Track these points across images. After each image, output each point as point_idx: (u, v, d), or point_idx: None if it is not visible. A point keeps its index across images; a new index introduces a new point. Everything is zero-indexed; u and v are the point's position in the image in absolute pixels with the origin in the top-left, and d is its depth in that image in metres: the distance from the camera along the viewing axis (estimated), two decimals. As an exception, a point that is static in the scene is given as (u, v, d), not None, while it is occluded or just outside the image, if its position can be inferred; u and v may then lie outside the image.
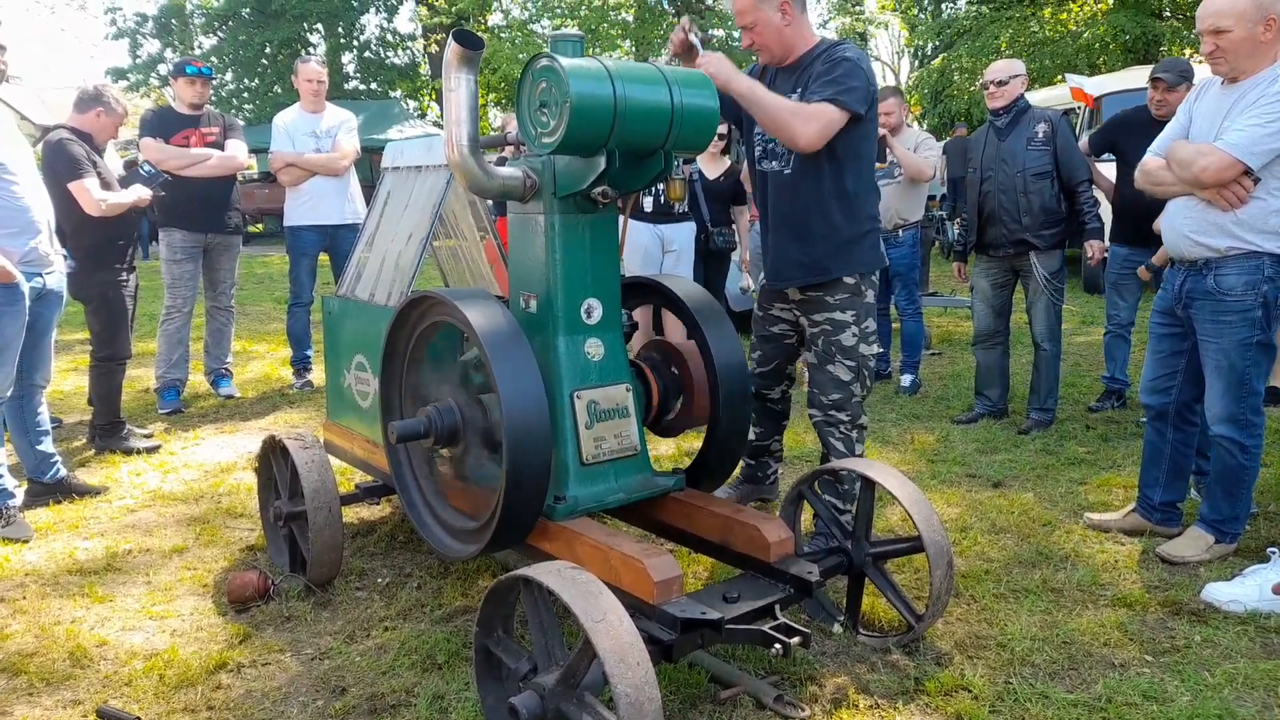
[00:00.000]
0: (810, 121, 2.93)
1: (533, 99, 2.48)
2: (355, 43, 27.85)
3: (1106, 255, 5.02)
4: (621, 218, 2.90)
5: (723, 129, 5.99)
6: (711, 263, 6.03)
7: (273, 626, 2.90)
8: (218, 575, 3.28)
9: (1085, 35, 15.18)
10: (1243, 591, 2.81)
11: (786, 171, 3.19)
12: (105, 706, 2.42)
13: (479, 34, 2.51)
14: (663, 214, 5.52)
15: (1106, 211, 5.19)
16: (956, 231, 5.13)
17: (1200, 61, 4.85)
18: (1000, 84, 4.74)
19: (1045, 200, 4.67)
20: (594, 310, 2.68)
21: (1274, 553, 2.88)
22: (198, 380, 6.07)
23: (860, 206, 3.22)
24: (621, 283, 2.79)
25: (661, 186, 5.37)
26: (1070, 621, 2.80)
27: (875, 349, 3.35)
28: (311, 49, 25.81)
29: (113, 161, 5.43)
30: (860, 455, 3.25)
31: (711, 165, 5.95)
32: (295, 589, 3.09)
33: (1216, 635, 2.69)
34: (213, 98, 5.85)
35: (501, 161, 2.70)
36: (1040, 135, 4.68)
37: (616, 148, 2.45)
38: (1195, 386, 3.24)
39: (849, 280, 3.23)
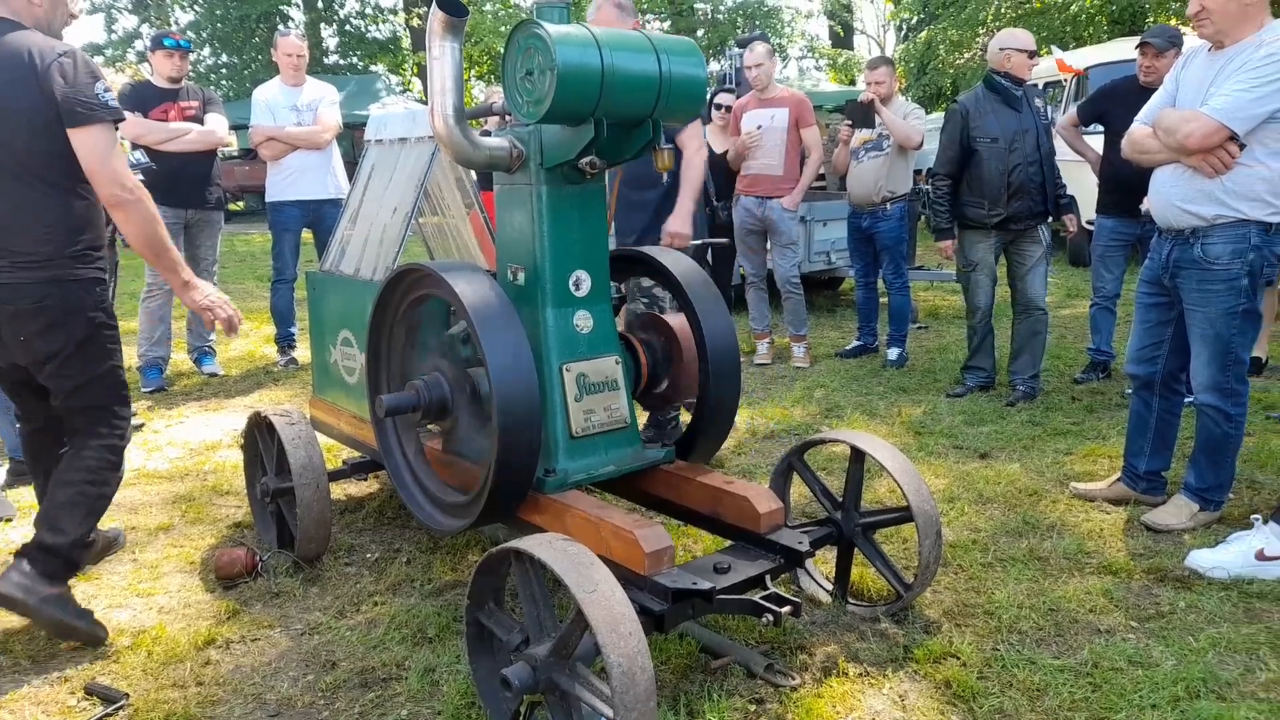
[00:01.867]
0: None
1: (518, 67, 2.44)
2: (335, 16, 27.47)
3: (1092, 227, 5.06)
4: (611, 190, 2.87)
5: (731, 100, 5.95)
6: (719, 236, 5.99)
7: (261, 602, 2.89)
8: (205, 552, 3.26)
9: (1073, 7, 15.12)
10: (1226, 558, 2.84)
11: None
12: (93, 683, 2.40)
13: (463, 1, 2.46)
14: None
15: (1093, 184, 5.22)
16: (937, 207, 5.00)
17: (1187, 30, 4.85)
18: (1033, 55, 4.75)
19: (1055, 174, 4.81)
20: (583, 282, 2.65)
21: (1257, 519, 2.91)
22: (180, 358, 6.01)
23: None
24: (610, 255, 2.77)
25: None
26: (1057, 589, 2.82)
27: None
28: (290, 23, 25.42)
29: None
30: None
31: (721, 138, 5.90)
32: (283, 565, 3.07)
33: (1200, 601, 2.72)
34: (191, 73, 5.73)
35: (485, 133, 2.66)
36: (1042, 108, 4.81)
37: (604, 116, 2.41)
38: (1181, 356, 3.26)
39: None
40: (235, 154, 19.05)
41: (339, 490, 3.77)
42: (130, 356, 5.88)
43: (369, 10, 28.07)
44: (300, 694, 2.40)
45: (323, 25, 26.67)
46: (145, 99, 5.29)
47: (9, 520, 3.55)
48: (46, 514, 2.65)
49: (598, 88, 2.34)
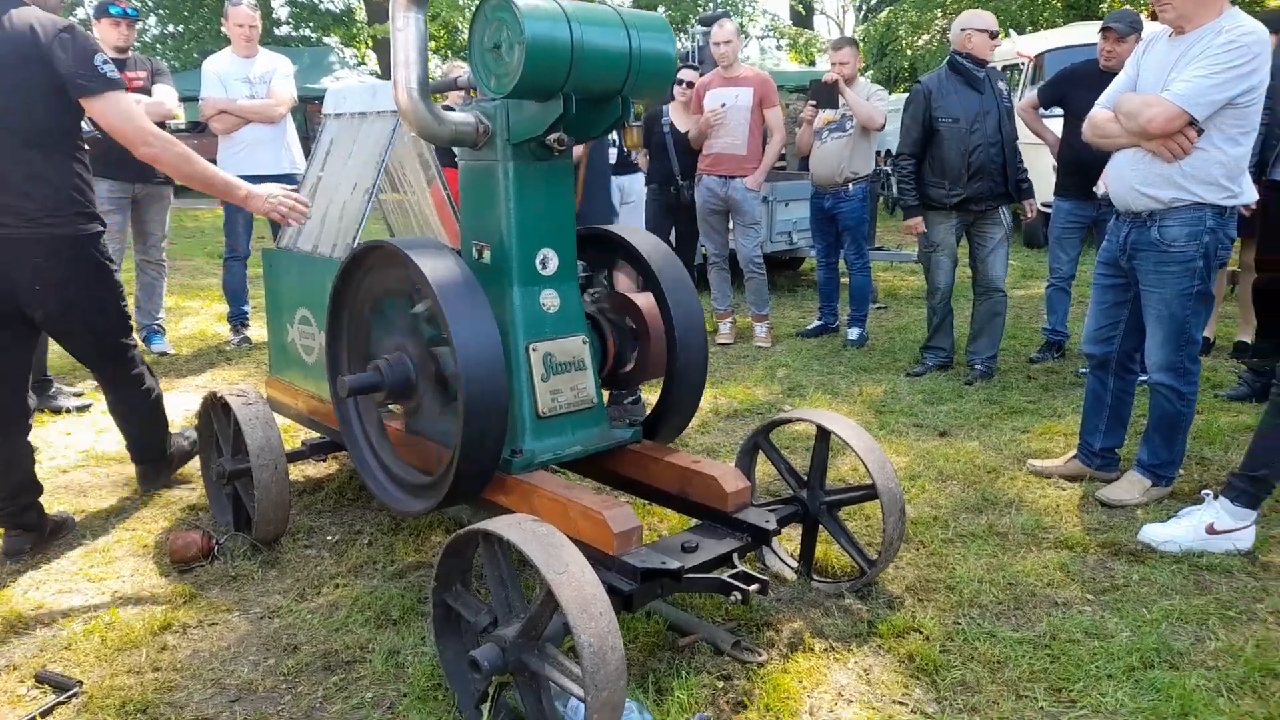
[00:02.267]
0: None
1: (486, 40, 2.39)
2: (285, -13, 26.76)
3: (1048, 210, 5.15)
4: (579, 169, 2.84)
5: (694, 77, 5.91)
6: (683, 216, 5.98)
7: (218, 586, 2.83)
8: (158, 535, 3.18)
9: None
10: (1178, 532, 2.92)
11: None
12: (44, 671, 2.34)
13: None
14: (622, 165, 5.44)
15: (1050, 166, 5.30)
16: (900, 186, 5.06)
17: (1146, 13, 4.93)
18: (994, 35, 4.78)
19: (1018, 155, 4.86)
20: (550, 261, 2.62)
21: (1208, 495, 2.99)
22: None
23: None
24: (578, 234, 2.73)
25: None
26: (1015, 564, 2.88)
27: None
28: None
29: None
30: None
31: (683, 117, 5.86)
32: (241, 548, 3.01)
33: (1153, 574, 2.79)
34: (136, 42, 5.53)
35: (448, 108, 2.60)
36: (1005, 91, 4.85)
37: (573, 92, 2.37)
38: (1136, 336, 3.32)
39: None
40: (184, 127, 18.52)
41: (297, 472, 3.70)
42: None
43: (321, -20, 27.40)
44: (261, 678, 2.35)
45: (273, -5, 25.97)
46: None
47: None
48: (135, 450, 3.48)
49: (567, 62, 2.31)
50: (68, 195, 2.92)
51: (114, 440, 4.18)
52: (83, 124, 4.55)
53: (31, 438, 4.12)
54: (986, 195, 4.80)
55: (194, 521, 3.29)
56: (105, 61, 2.84)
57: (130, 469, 3.82)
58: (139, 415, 3.37)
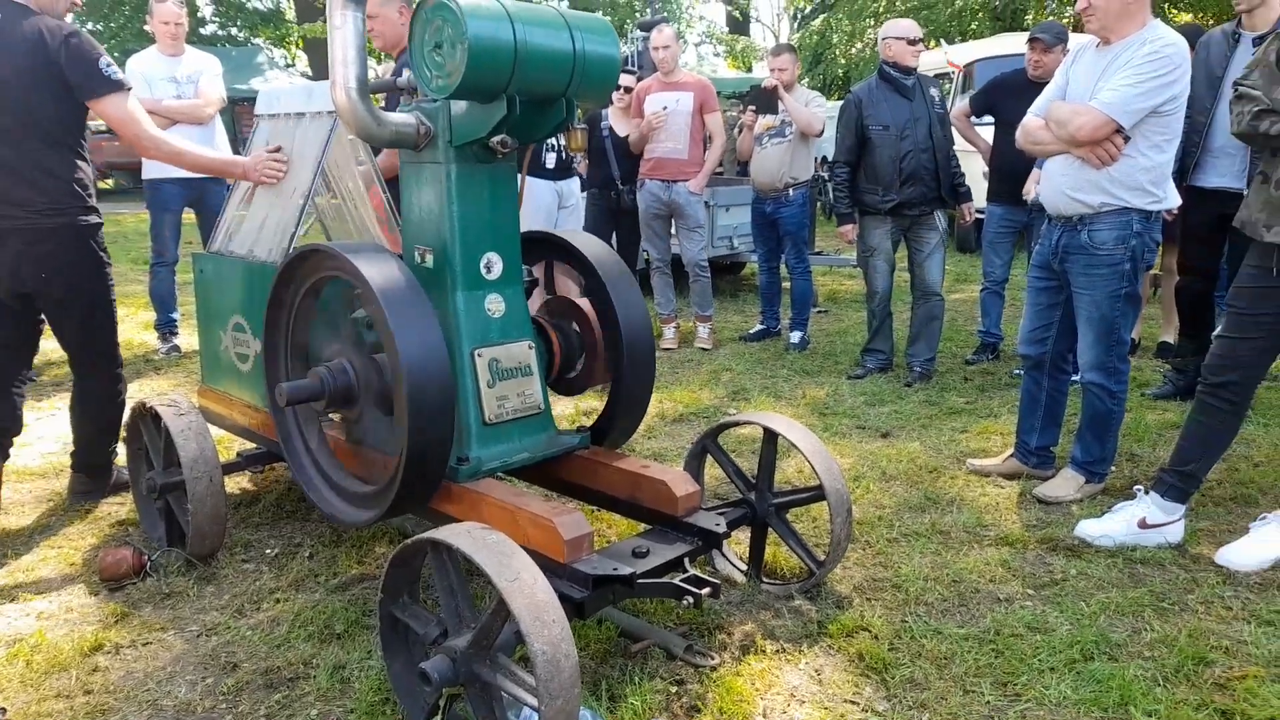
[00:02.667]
0: None
1: (426, 39, 2.35)
2: (213, -15, 26.03)
3: (981, 215, 5.28)
4: (521, 171, 2.81)
5: (631, 82, 5.91)
6: (623, 220, 5.96)
7: (152, 604, 2.72)
8: (86, 553, 3.05)
9: (957, 2, 15.71)
10: (1112, 527, 3.01)
11: None
12: (-36, 699, 2.22)
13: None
14: (561, 170, 5.42)
15: (980, 172, 5.44)
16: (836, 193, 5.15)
17: (1071, 24, 5.09)
18: (914, 43, 4.86)
19: (952, 162, 4.95)
20: (494, 265, 2.59)
21: (1139, 490, 3.09)
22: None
23: None
24: (522, 237, 2.70)
25: (562, 139, 5.26)
26: (958, 561, 2.93)
27: None
28: (163, -11, 23.94)
29: None
30: None
31: (623, 122, 5.85)
32: (175, 564, 2.90)
33: (1090, 568, 2.87)
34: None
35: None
36: (937, 98, 4.93)
37: (517, 93, 2.35)
38: (1068, 338, 3.42)
39: None
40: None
41: (232, 484, 3.58)
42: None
43: (251, -21, 26.72)
44: (200, 698, 2.27)
45: (199, -7, 25.24)
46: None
47: None
48: (80, 453, 3.46)
49: (510, 63, 2.28)
50: (71, 188, 3.13)
51: (36, 454, 4.01)
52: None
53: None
54: (919, 200, 4.89)
55: (124, 537, 3.16)
56: (109, 65, 3.08)
57: (55, 484, 3.66)
58: (97, 416, 3.41)
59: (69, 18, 3.25)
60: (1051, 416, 3.55)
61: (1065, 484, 3.40)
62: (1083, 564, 2.90)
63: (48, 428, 4.37)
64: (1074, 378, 3.59)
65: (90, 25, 23.89)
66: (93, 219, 3.24)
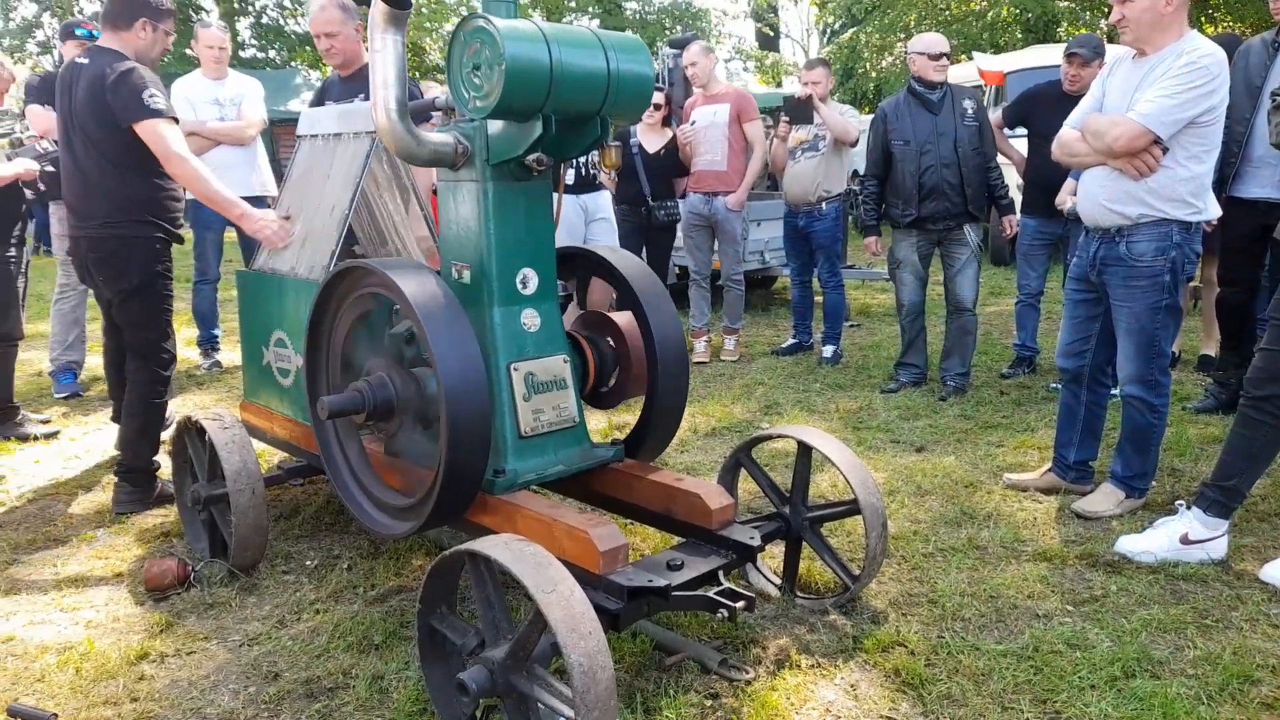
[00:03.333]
0: None
1: (465, 61, 2.40)
2: (251, 8, 26.61)
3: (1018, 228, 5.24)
4: (556, 189, 2.85)
5: (660, 99, 5.98)
6: (654, 237, 6.02)
7: (195, 614, 2.78)
8: (132, 564, 3.12)
9: (989, 15, 15.62)
10: (1153, 543, 2.97)
11: None
12: (16, 704, 2.27)
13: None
14: (584, 185, 5.48)
15: (1014, 185, 5.40)
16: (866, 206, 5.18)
17: (1105, 35, 5.04)
18: (944, 57, 4.85)
19: (981, 175, 4.89)
20: (530, 280, 2.62)
21: (1181, 505, 3.04)
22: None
23: None
24: (557, 252, 2.74)
25: (587, 158, 5.33)
26: (995, 576, 2.91)
27: None
28: (205, 13, 24.55)
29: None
30: None
31: (652, 138, 5.92)
32: (218, 575, 2.96)
33: (1131, 585, 2.83)
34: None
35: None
36: (970, 112, 4.87)
37: (553, 113, 2.39)
38: (1107, 350, 3.39)
39: None
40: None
41: (273, 496, 3.64)
42: (42, 361, 5.60)
43: (287, 2, 27.27)
44: (243, 707, 2.31)
45: (238, 17, 25.81)
46: (55, 91, 5.01)
47: None
48: (122, 452, 3.64)
49: (546, 83, 2.32)
50: (128, 204, 3.46)
51: (82, 467, 4.11)
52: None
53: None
54: (943, 215, 4.87)
55: (169, 549, 3.23)
56: (152, 95, 3.35)
57: (103, 498, 3.75)
58: (136, 415, 3.60)
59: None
60: (1090, 430, 3.51)
61: (1105, 499, 3.36)
62: (1123, 580, 2.86)
63: (95, 441, 4.48)
64: (1114, 391, 3.54)
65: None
66: (150, 232, 3.51)
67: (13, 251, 4.34)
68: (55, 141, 4.76)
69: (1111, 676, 2.33)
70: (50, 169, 4.58)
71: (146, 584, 2.89)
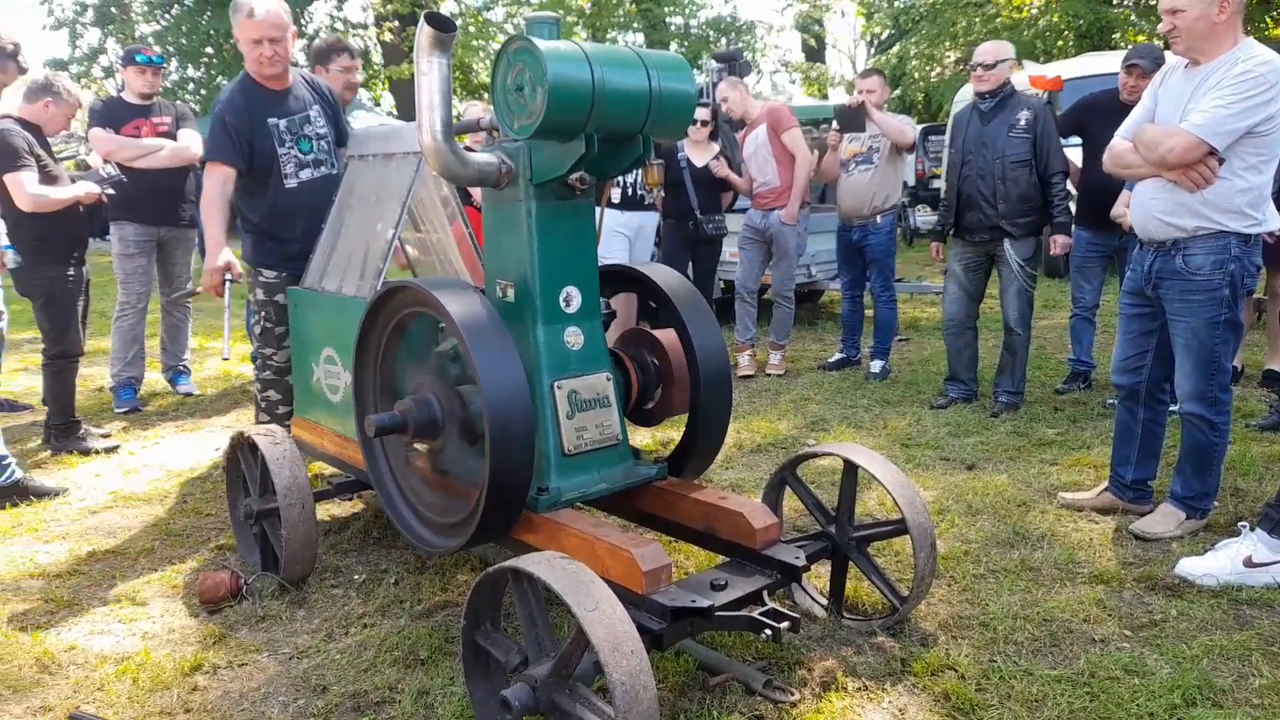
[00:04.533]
0: None
1: (508, 82, 2.43)
2: (305, 31, 27.29)
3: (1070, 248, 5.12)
4: (599, 206, 2.87)
5: (706, 115, 6.01)
6: (701, 250, 6.05)
7: (247, 626, 2.83)
8: (187, 576, 3.19)
9: (1040, 22, 15.38)
10: (1215, 565, 2.87)
11: None
12: (78, 712, 2.34)
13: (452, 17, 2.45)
14: (631, 203, 5.52)
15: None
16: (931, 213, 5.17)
17: (1164, 43, 4.90)
18: (987, 67, 4.74)
19: (1022, 188, 4.69)
20: (573, 298, 2.64)
21: (1244, 526, 2.94)
22: (154, 378, 5.91)
23: None
24: (599, 270, 2.75)
25: (634, 176, 5.37)
26: (1049, 599, 2.83)
27: None
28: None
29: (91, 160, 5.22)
30: None
31: (699, 152, 5.94)
32: (269, 588, 3.01)
33: (1192, 609, 2.73)
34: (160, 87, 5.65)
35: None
36: (1022, 123, 4.69)
37: (595, 132, 2.40)
38: (1165, 366, 3.29)
39: None
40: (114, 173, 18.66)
41: (322, 511, 3.70)
42: (103, 377, 5.78)
43: (338, 25, 27.92)
44: (292, 719, 2.34)
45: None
46: (117, 115, 5.20)
47: None
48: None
49: (589, 103, 2.34)
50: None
51: (142, 481, 4.22)
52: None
53: (60, 479, 4.19)
54: (978, 227, 4.79)
55: (222, 561, 3.30)
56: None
57: (159, 510, 3.85)
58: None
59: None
60: (1148, 448, 3.41)
61: (1164, 520, 3.25)
62: (1184, 604, 2.77)
63: (154, 455, 4.60)
64: (1172, 408, 3.44)
65: (190, 71, 25.32)
66: None
67: (72, 271, 4.48)
68: (118, 164, 4.95)
69: (1171, 705, 2.26)
70: (111, 192, 4.75)
71: (200, 596, 2.96)
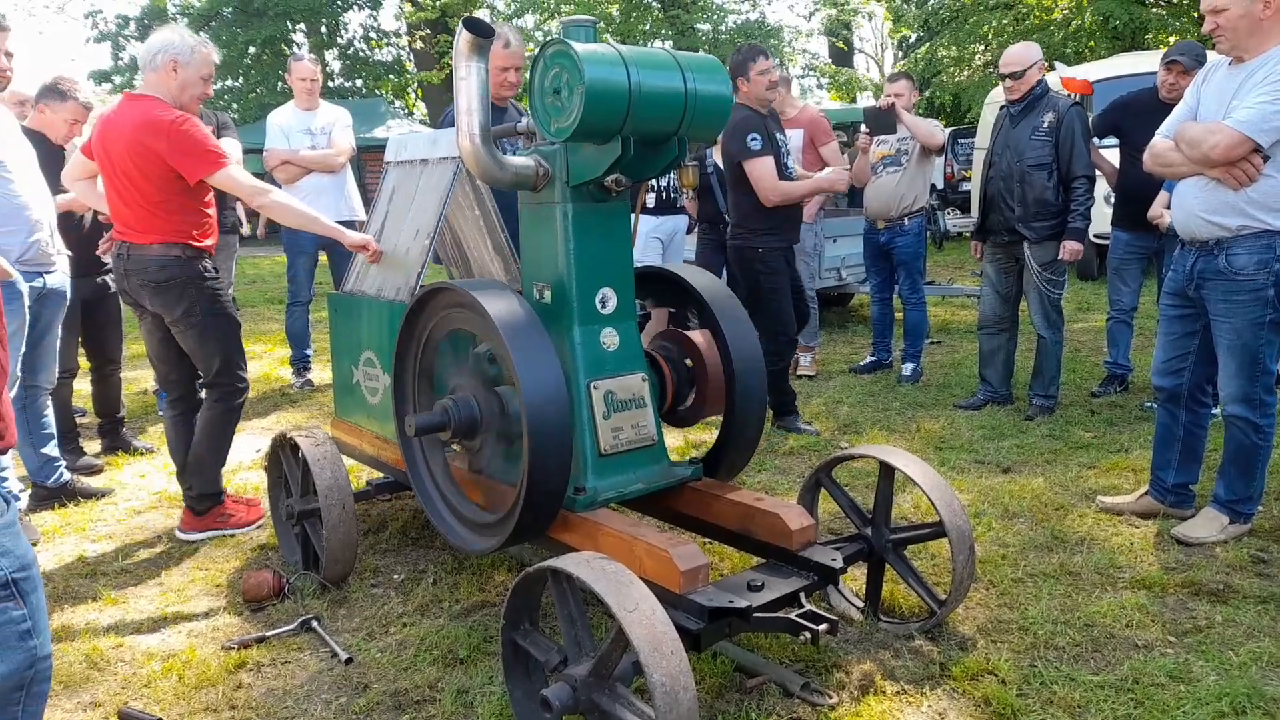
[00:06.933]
0: None
1: (545, 85, 2.45)
2: (339, 40, 27.67)
3: (1105, 242, 5.05)
4: (634, 209, 2.88)
5: None
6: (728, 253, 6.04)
7: (290, 625, 2.87)
8: (231, 575, 3.25)
9: (1072, 24, 15.21)
10: None
11: None
12: (126, 708, 2.39)
13: (490, 22, 2.48)
14: (665, 207, 5.53)
15: (1103, 197, 5.21)
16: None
17: (1205, 44, 4.83)
18: (1016, 77, 4.65)
19: (1039, 192, 4.59)
20: (609, 300, 2.66)
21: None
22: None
23: None
24: (635, 272, 2.77)
25: (668, 179, 5.38)
26: (1090, 604, 2.80)
27: None
28: (296, 47, 25.63)
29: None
30: None
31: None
32: (310, 587, 3.06)
33: (1238, 615, 2.69)
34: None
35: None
36: (1045, 125, 4.60)
37: (631, 134, 2.42)
38: (1207, 368, 3.24)
39: None
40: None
41: (362, 511, 3.74)
42: (147, 380, 5.89)
43: (372, 34, 28.27)
44: (334, 717, 2.38)
45: (326, 50, 26.85)
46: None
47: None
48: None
49: (625, 106, 2.36)
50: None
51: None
52: None
53: (105, 480, 4.28)
54: (1001, 229, 4.77)
55: (265, 561, 3.35)
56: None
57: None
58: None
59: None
60: (1190, 452, 3.36)
61: (1207, 524, 3.20)
62: (1229, 610, 2.72)
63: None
64: (1214, 410, 3.39)
65: (229, 82, 25.77)
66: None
67: (110, 277, 4.56)
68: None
69: (1219, 713, 2.22)
70: None
71: (244, 595, 3.01)
